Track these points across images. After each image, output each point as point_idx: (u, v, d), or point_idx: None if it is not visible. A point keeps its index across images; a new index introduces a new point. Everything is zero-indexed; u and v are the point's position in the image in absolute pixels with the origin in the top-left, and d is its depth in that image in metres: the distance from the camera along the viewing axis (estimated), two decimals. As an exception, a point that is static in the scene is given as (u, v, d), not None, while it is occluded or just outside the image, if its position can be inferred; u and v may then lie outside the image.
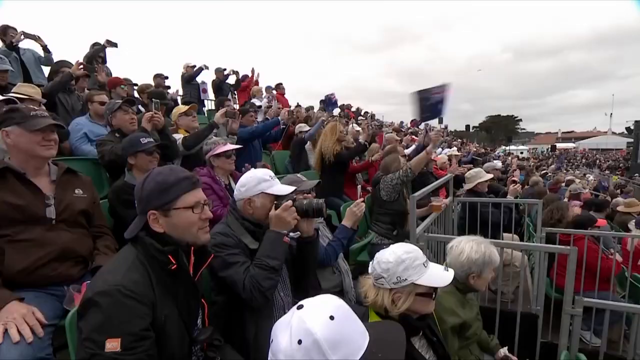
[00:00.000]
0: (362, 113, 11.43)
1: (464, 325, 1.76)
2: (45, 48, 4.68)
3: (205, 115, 7.28)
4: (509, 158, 13.71)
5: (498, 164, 7.02)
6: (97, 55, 5.44)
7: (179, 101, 6.91)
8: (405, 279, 1.30)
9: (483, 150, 17.28)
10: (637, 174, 17.62)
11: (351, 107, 11.52)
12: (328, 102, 8.26)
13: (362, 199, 2.32)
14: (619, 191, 11.15)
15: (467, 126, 42.87)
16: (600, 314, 2.36)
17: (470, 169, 5.00)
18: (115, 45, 5.46)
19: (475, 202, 3.83)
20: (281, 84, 9.14)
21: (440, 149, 7.43)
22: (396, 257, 1.32)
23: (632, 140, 19.60)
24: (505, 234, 4.04)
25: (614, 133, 53.77)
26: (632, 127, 19.37)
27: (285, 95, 9.06)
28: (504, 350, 1.92)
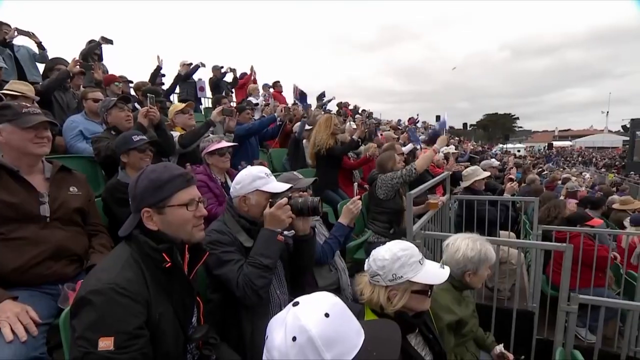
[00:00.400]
0: (359, 111, 11.42)
1: (460, 323, 1.76)
2: (39, 45, 4.63)
3: (203, 113, 7.25)
4: (506, 156, 13.75)
5: (495, 162, 7.03)
6: (92, 52, 5.39)
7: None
8: (401, 277, 1.29)
9: (480, 149, 17.34)
10: (632, 172, 17.73)
11: (348, 105, 11.52)
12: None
13: (358, 197, 2.32)
14: (614, 189, 11.21)
15: (465, 124, 42.97)
16: (595, 311, 2.38)
17: (468, 167, 5.01)
18: (110, 42, 5.42)
19: (472, 200, 3.85)
20: (279, 81, 9.12)
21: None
22: (392, 255, 1.31)
23: (628, 138, 19.69)
24: (502, 232, 4.06)
25: (610, 131, 53.98)
26: (628, 126, 19.40)
27: (283, 93, 9.05)
28: (499, 347, 1.92)
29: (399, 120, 14.41)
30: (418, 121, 16.53)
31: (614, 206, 5.82)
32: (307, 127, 4.80)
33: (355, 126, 5.24)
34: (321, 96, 8.61)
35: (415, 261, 1.31)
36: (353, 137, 4.19)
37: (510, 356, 1.92)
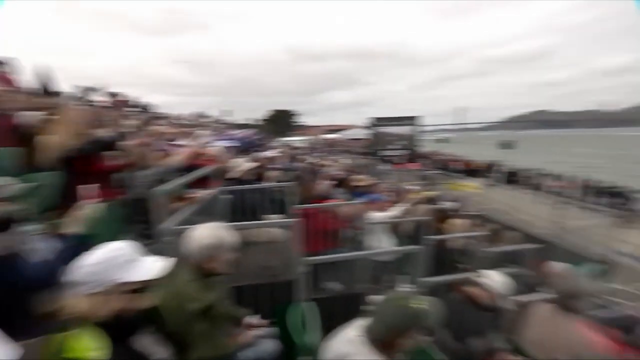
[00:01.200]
0: (131, 103, 10.12)
1: (209, 308, 1.84)
2: None
3: None
4: (283, 148, 15.47)
5: (268, 153, 7.77)
6: None
7: None
8: (114, 279, 1.21)
9: (264, 142, 18.78)
10: (371, 157, 23.90)
11: (117, 94, 9.99)
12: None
13: (96, 199, 2.04)
14: (362, 170, 14.57)
15: (251, 119, 45.89)
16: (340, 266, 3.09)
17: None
18: None
19: (241, 190, 4.13)
20: (12, 59, 6.85)
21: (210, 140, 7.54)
22: (100, 259, 1.21)
23: (371, 132, 27.75)
24: (272, 215, 4.54)
25: (361, 127, 69.85)
26: (370, 123, 27.73)
27: (17, 75, 6.88)
28: (250, 319, 2.15)
29: (180, 114, 13.72)
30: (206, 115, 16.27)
31: (353, 184, 7.55)
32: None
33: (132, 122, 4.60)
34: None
35: (127, 260, 1.25)
36: (103, 135, 3.64)
37: (262, 322, 2.18)
